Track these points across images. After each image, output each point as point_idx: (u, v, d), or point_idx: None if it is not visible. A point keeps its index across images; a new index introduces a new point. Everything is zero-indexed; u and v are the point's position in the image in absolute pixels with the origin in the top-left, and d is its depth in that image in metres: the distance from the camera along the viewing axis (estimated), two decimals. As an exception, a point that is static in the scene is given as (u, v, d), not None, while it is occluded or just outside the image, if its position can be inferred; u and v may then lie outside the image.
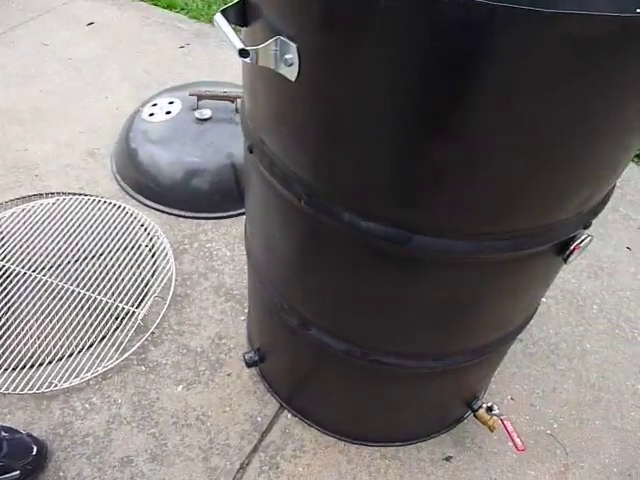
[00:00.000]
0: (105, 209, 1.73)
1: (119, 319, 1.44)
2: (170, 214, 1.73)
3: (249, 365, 1.29)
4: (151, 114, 1.83)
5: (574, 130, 0.61)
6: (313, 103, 0.67)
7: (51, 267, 1.55)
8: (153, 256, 1.61)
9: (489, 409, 1.22)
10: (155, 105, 1.87)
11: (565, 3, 0.87)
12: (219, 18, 0.71)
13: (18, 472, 1.10)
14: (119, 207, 1.74)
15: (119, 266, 1.56)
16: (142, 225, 1.69)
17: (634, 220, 1.88)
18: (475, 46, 0.53)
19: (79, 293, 1.48)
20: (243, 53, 0.66)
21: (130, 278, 1.53)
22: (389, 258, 0.79)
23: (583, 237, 0.83)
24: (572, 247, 0.82)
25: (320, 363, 1.09)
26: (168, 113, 1.81)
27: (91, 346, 1.37)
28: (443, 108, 0.59)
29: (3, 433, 1.13)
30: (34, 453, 1.13)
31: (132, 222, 1.70)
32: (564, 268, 1.68)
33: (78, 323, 1.41)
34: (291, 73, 0.66)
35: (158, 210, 1.74)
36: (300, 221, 0.83)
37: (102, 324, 1.42)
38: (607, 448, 1.30)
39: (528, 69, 0.54)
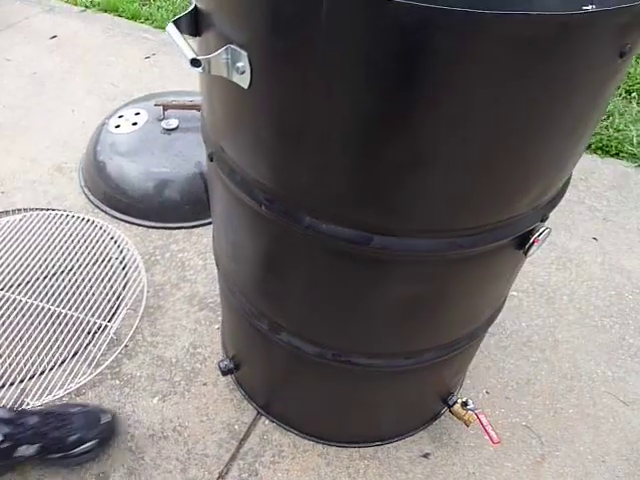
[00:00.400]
0: (74, 223, 1.71)
1: (91, 334, 1.42)
2: (140, 225, 1.72)
3: (224, 373, 1.28)
4: (117, 126, 1.82)
5: (523, 126, 0.63)
6: (267, 110, 0.68)
7: (20, 284, 1.52)
8: (124, 268, 1.59)
9: (464, 404, 1.23)
10: (121, 117, 1.85)
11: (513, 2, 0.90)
12: (171, 28, 0.72)
13: (95, 441, 1.17)
14: (88, 221, 1.72)
15: (90, 280, 1.55)
16: (112, 238, 1.67)
17: (599, 211, 1.92)
18: (418, 48, 0.54)
19: (49, 310, 1.46)
20: (195, 63, 0.67)
21: (101, 292, 1.52)
22: (352, 259, 0.80)
23: (542, 230, 0.84)
24: (531, 240, 0.84)
25: (293, 367, 1.10)
26: (134, 124, 1.80)
27: (63, 362, 1.35)
28: (392, 110, 0.60)
29: (71, 410, 1.19)
30: (106, 420, 1.19)
31: (102, 235, 1.68)
32: (533, 262, 1.72)
33: (49, 340, 1.39)
34: (244, 81, 0.66)
35: (128, 222, 1.73)
36: (262, 226, 0.84)
37: (74, 340, 1.40)
38: (581, 436, 1.32)
39: (474, 69, 0.56)
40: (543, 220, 0.84)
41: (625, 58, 0.64)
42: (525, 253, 0.86)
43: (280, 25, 0.59)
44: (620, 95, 2.45)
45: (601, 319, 1.58)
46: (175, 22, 0.73)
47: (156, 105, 1.79)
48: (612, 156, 2.17)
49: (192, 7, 0.73)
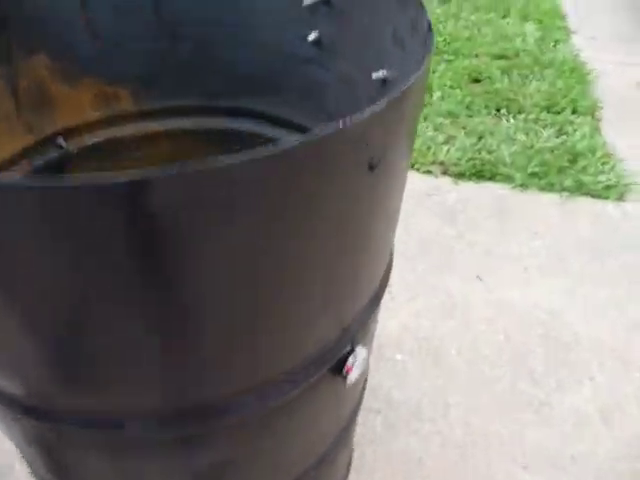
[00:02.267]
0: None
1: None
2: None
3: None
4: None
5: (264, 277, 0.50)
6: None
7: None
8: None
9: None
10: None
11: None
12: None
13: None
14: None
15: None
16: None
17: (480, 244, 1.85)
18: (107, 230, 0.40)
19: None
20: None
21: None
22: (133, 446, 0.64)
23: (355, 356, 0.72)
24: (345, 370, 0.71)
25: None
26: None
27: None
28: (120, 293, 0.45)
29: None
30: None
31: None
32: (417, 313, 1.62)
33: None
34: None
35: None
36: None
37: None
38: (480, 515, 1.21)
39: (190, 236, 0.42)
40: (354, 342, 0.71)
41: (377, 170, 0.52)
42: (345, 380, 0.74)
43: None
44: (489, 114, 2.43)
45: (491, 370, 1.49)
46: None
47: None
48: (488, 180, 2.12)
49: None
